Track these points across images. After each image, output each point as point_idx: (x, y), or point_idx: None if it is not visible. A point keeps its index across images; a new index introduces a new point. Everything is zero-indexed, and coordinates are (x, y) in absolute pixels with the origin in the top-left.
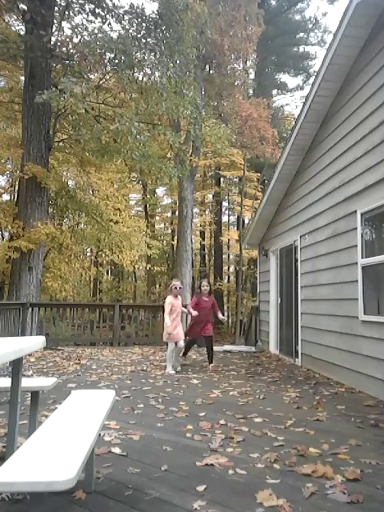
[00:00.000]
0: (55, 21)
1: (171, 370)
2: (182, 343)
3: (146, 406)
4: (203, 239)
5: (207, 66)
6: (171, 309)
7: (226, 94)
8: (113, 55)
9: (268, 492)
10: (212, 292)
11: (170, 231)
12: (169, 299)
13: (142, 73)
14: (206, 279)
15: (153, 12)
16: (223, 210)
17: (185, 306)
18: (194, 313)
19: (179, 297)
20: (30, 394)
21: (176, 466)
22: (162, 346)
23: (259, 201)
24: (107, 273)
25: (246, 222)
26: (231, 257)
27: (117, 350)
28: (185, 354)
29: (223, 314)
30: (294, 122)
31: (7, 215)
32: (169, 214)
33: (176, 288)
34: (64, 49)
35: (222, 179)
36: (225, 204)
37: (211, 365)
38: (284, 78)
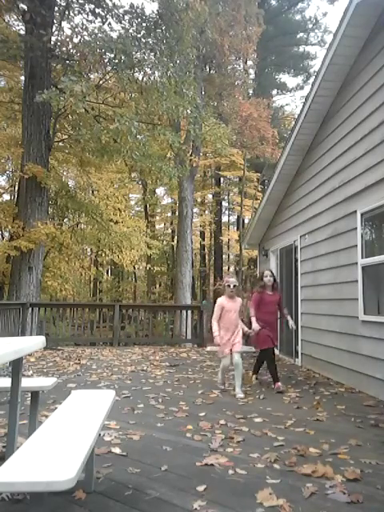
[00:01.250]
0: (55, 21)
1: (221, 383)
2: (237, 358)
3: (146, 406)
4: (203, 239)
5: (207, 66)
6: (221, 313)
7: (226, 94)
8: (113, 55)
9: (268, 492)
10: (277, 286)
11: (170, 231)
12: (219, 300)
13: (141, 73)
14: (268, 269)
15: (153, 12)
16: (223, 210)
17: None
18: (256, 326)
19: (237, 299)
20: (30, 394)
21: (176, 465)
22: (161, 346)
23: (259, 201)
24: (107, 273)
25: (246, 222)
26: (231, 257)
27: (117, 350)
28: (256, 370)
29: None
30: (293, 122)
31: (7, 215)
32: (169, 214)
33: (230, 286)
34: (64, 49)
35: (221, 179)
36: (225, 204)
37: (279, 383)
38: (284, 77)
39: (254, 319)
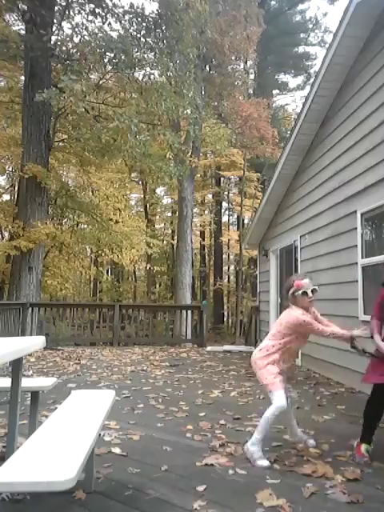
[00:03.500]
0: (55, 20)
1: (259, 455)
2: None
3: (145, 406)
4: (203, 239)
5: (207, 66)
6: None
7: (226, 94)
8: (113, 55)
9: (268, 492)
10: None
11: (170, 231)
12: (300, 315)
13: (141, 72)
14: None
15: (152, 12)
16: (223, 210)
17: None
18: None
19: (314, 310)
20: (29, 394)
21: (176, 466)
22: (161, 346)
23: (259, 201)
24: (107, 272)
25: (246, 222)
26: (231, 257)
27: (117, 350)
28: (366, 436)
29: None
30: (293, 122)
31: (7, 215)
32: (169, 214)
33: (308, 294)
34: (64, 48)
35: (221, 179)
36: (225, 204)
37: (362, 449)
38: (284, 78)
39: (377, 336)
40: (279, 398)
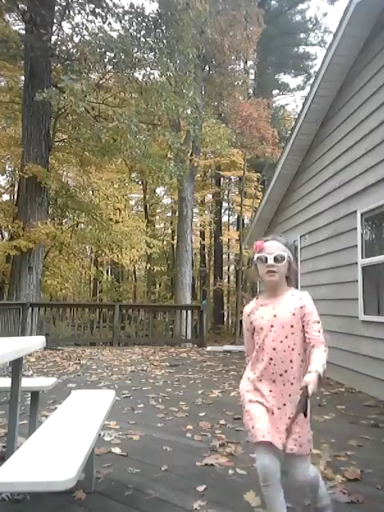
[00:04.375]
0: (55, 20)
1: None
2: (302, 473)
3: (145, 406)
4: (203, 239)
5: (207, 66)
6: (251, 337)
7: (226, 94)
8: (113, 55)
9: None
10: None
11: (170, 231)
12: (246, 308)
13: (141, 72)
14: None
15: (152, 11)
16: (223, 210)
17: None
18: None
19: (291, 291)
20: (29, 394)
21: (176, 466)
22: (161, 346)
23: (259, 201)
24: (107, 273)
25: (246, 222)
26: (231, 257)
27: (117, 350)
28: None
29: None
30: (293, 122)
31: (7, 215)
32: (169, 214)
33: (265, 260)
34: (64, 48)
35: (221, 179)
36: (225, 204)
37: None
38: (284, 78)
39: None
40: (258, 461)
